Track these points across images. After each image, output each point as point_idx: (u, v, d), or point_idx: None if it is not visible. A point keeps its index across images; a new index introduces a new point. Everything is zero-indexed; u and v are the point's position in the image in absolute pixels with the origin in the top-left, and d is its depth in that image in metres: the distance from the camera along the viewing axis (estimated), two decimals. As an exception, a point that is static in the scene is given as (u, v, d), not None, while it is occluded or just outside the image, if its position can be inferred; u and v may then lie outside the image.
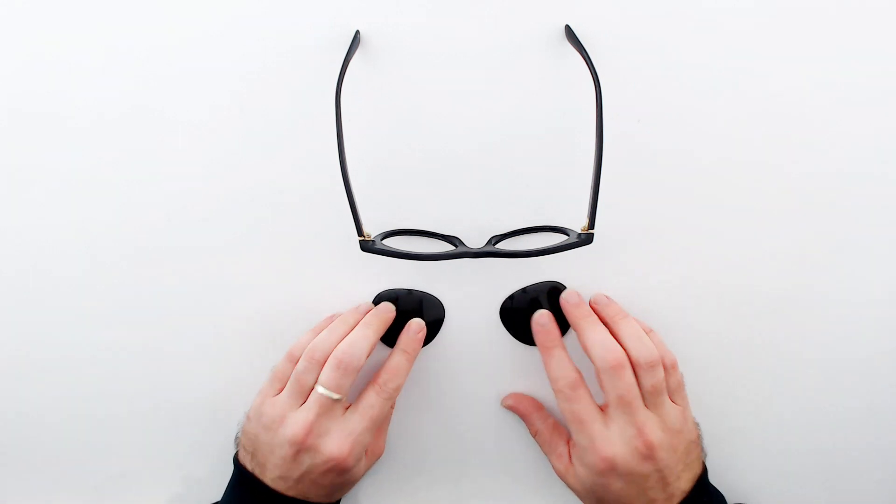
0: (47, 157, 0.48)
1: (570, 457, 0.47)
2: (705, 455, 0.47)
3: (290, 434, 0.42)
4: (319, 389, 0.43)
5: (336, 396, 0.43)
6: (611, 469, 0.42)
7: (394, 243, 0.44)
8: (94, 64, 0.47)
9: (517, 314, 0.49)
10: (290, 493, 0.43)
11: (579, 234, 0.41)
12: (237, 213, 0.49)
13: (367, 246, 0.41)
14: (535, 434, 0.50)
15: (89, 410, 0.54)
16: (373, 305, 0.49)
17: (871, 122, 0.46)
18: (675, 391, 0.45)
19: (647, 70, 0.45)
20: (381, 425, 0.49)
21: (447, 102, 0.46)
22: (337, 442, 0.42)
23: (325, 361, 0.44)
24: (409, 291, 0.49)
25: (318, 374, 0.43)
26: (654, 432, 0.42)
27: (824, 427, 0.53)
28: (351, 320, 0.47)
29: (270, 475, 0.44)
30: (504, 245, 0.47)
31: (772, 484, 0.54)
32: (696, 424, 0.47)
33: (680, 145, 0.47)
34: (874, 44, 0.45)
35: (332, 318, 0.48)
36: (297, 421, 0.43)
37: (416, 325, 0.48)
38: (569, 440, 0.48)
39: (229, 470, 0.48)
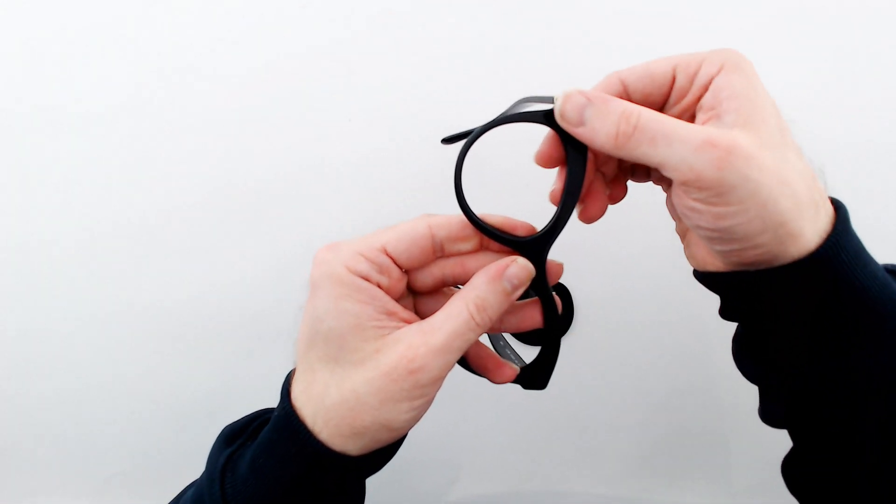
0: (46, 157, 0.48)
1: None
2: None
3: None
4: None
5: None
6: None
7: None
8: (95, 62, 0.46)
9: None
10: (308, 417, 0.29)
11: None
12: (237, 212, 0.49)
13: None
14: None
15: (89, 410, 0.54)
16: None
17: (871, 122, 0.47)
18: None
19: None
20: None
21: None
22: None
23: None
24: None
25: None
26: None
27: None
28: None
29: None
30: None
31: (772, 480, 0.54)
32: None
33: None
34: (874, 43, 0.45)
35: None
36: None
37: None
38: None
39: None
